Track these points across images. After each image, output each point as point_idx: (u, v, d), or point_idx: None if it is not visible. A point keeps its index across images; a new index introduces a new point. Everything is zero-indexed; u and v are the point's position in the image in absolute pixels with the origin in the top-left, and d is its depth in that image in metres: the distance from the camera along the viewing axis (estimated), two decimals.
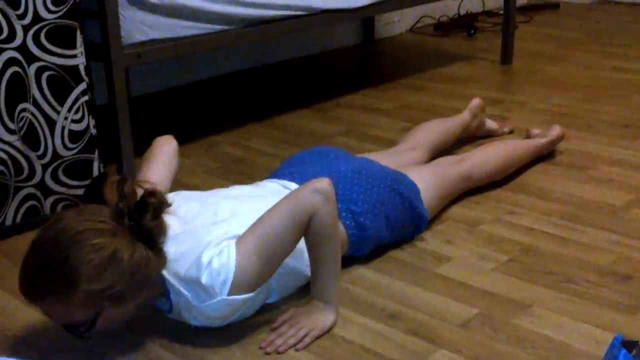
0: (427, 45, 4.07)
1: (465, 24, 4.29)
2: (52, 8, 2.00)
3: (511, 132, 2.70)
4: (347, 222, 1.82)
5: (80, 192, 2.16)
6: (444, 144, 2.43)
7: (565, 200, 2.18)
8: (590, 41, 4.00)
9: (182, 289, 1.54)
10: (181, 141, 2.71)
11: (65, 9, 2.02)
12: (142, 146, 2.60)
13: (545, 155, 2.47)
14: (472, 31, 4.21)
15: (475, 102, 2.59)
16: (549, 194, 2.22)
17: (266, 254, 1.54)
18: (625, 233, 1.97)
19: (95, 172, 2.18)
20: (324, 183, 1.59)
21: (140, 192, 1.52)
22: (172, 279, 1.55)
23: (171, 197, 1.63)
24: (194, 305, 1.54)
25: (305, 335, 1.60)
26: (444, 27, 4.30)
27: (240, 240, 1.55)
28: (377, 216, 1.86)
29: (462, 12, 4.45)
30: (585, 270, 1.81)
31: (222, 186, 1.99)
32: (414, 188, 1.97)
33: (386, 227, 1.89)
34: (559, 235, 1.98)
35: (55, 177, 2.10)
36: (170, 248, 1.56)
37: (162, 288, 1.57)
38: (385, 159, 2.16)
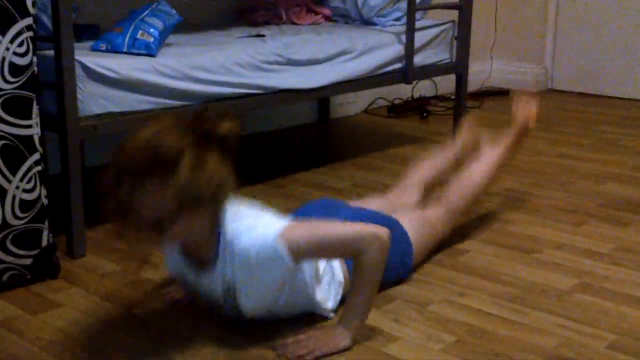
0: (381, 127, 4.15)
1: (418, 107, 4.40)
2: (10, 79, 2.01)
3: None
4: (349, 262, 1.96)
5: (28, 262, 2.14)
6: (436, 177, 2.60)
7: (513, 283, 2.21)
8: (538, 127, 4.12)
9: (236, 229, 1.73)
10: None
11: (23, 79, 2.04)
12: (93, 217, 2.60)
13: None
14: (424, 114, 4.31)
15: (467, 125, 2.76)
16: (497, 276, 2.26)
17: (312, 239, 1.76)
18: (569, 317, 2.01)
19: (45, 243, 2.16)
20: (385, 234, 1.80)
21: None
22: (228, 228, 1.74)
23: None
24: (240, 247, 1.71)
25: (315, 349, 1.76)
26: (398, 110, 4.40)
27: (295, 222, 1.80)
28: None
29: (416, 95, 4.56)
30: (530, 353, 1.83)
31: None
32: (404, 236, 2.15)
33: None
34: (505, 318, 2.00)
35: (3, 246, 2.07)
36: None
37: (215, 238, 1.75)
38: (379, 203, 2.37)
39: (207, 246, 1.78)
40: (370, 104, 4.50)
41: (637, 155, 3.57)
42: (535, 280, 2.23)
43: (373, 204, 2.36)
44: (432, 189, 2.56)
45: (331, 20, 3.71)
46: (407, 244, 2.17)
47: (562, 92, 5.09)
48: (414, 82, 4.02)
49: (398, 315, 2.01)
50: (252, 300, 1.82)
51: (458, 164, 2.63)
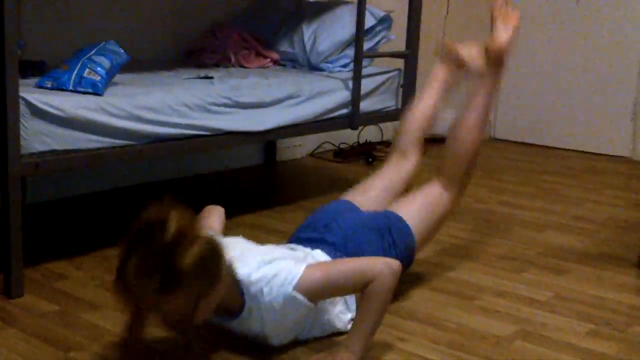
0: (327, 171, 4.18)
1: (364, 152, 4.44)
2: None
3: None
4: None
5: None
6: (432, 119, 2.80)
7: (453, 329, 2.23)
8: (481, 175, 4.20)
9: (257, 282, 1.89)
10: (74, 253, 2.68)
11: None
12: (33, 257, 2.55)
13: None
14: (370, 159, 4.36)
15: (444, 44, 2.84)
16: (438, 322, 2.27)
17: (328, 280, 1.92)
18: None
19: None
20: (396, 266, 1.94)
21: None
22: (248, 279, 1.90)
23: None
24: (264, 300, 1.88)
25: None
26: (344, 154, 4.44)
27: (309, 265, 1.95)
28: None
29: (362, 140, 4.61)
30: None
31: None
32: (406, 228, 2.33)
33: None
34: None
35: None
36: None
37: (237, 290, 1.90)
38: (380, 187, 2.57)
39: (232, 301, 1.92)
40: (317, 148, 4.53)
41: (575, 204, 3.66)
42: (476, 327, 2.25)
43: (374, 191, 2.54)
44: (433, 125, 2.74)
45: (279, 65, 3.75)
46: (409, 236, 2.33)
47: (505, 141, 5.20)
48: (360, 128, 4.06)
49: None
50: (281, 336, 2.00)
51: (450, 87, 2.82)
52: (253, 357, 1.99)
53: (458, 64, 2.78)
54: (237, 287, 1.91)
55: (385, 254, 2.21)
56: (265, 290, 1.89)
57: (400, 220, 2.36)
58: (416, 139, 2.71)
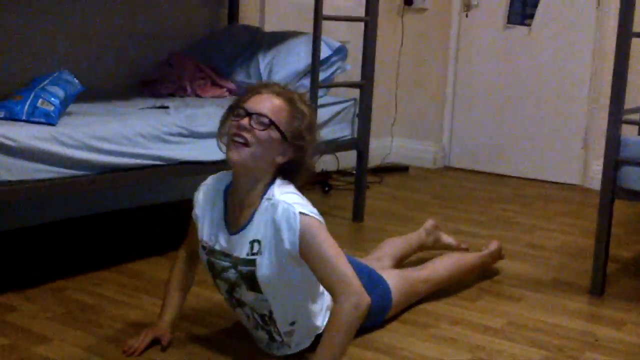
0: None
1: (320, 181, 4.45)
2: None
3: (467, 249, 3.06)
4: None
5: None
6: (404, 255, 2.90)
7: (409, 358, 2.24)
8: (435, 203, 4.24)
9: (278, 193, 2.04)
10: (25, 284, 2.64)
11: None
12: None
13: (486, 272, 2.96)
14: (326, 188, 4.37)
15: (429, 223, 3.05)
16: (394, 351, 2.28)
17: (323, 243, 2.00)
18: None
19: None
20: (365, 302, 1.96)
21: None
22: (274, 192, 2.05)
23: None
24: (273, 204, 2.01)
25: None
26: None
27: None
28: None
29: (318, 169, 4.61)
30: None
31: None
32: (386, 289, 2.40)
33: None
34: None
35: None
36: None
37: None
38: None
39: (254, 200, 2.06)
40: None
41: (528, 232, 3.71)
42: (431, 355, 2.26)
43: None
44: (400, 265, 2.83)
45: (235, 95, 3.75)
46: (388, 298, 2.41)
47: (459, 169, 5.26)
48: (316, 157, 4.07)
49: None
50: (270, 268, 2.03)
51: (424, 248, 3.03)
52: None
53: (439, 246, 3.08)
54: (262, 192, 2.06)
55: None
56: (285, 195, 2.03)
57: (383, 280, 2.44)
58: (392, 257, 2.83)
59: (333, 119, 3.58)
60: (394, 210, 4.03)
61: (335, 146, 3.70)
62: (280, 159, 2.06)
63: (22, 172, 2.40)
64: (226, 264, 2.10)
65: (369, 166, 4.21)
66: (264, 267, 2.03)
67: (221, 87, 3.70)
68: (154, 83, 3.60)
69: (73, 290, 2.64)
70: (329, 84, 3.67)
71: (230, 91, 3.72)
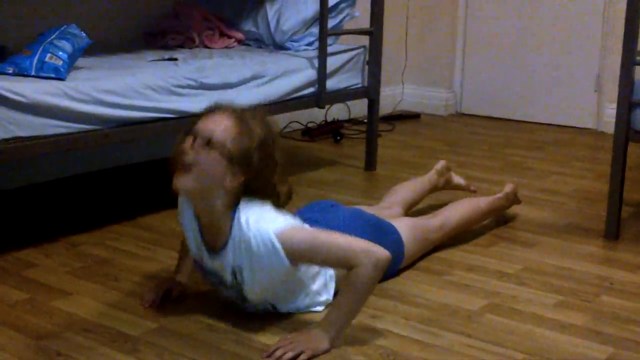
0: (295, 150, 4.17)
1: (331, 130, 4.44)
2: None
3: (474, 191, 3.09)
4: None
5: None
6: (415, 200, 2.88)
7: (425, 305, 2.25)
8: (447, 150, 4.22)
9: (248, 210, 1.95)
10: (42, 240, 2.65)
11: None
12: (0, 245, 2.52)
13: (501, 217, 2.96)
14: (338, 137, 4.36)
15: (440, 163, 3.04)
16: (410, 299, 2.29)
17: (311, 243, 1.93)
18: (479, 337, 2.05)
19: None
20: (384, 255, 1.92)
21: None
22: (242, 215, 1.95)
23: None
24: (247, 234, 1.92)
25: (301, 353, 1.87)
26: (312, 133, 4.43)
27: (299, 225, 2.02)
28: None
29: (329, 118, 4.60)
30: None
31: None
32: (399, 241, 2.37)
33: None
34: (418, 339, 2.03)
35: None
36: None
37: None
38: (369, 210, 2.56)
39: (221, 226, 1.97)
40: (285, 128, 4.51)
41: (542, 177, 3.70)
42: (447, 302, 2.27)
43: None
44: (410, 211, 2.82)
45: (244, 44, 3.72)
46: (400, 248, 2.38)
47: (471, 116, 5.23)
48: (327, 106, 4.06)
49: None
50: (256, 287, 2.01)
51: (435, 190, 3.02)
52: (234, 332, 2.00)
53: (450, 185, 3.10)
54: (230, 220, 1.97)
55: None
56: (252, 227, 1.93)
57: (394, 230, 2.41)
58: (402, 203, 2.80)
59: (343, 67, 3.55)
60: (406, 158, 4.01)
61: (346, 95, 3.68)
62: (229, 182, 1.93)
63: (33, 128, 2.39)
64: (215, 279, 2.10)
65: (380, 114, 4.19)
66: (252, 290, 2.03)
67: (230, 37, 3.67)
68: (161, 35, 3.57)
69: (89, 245, 2.66)
70: (338, 32, 3.63)
71: (238, 41, 3.69)
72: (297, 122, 4.53)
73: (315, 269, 2.12)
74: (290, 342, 1.92)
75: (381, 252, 1.93)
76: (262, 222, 1.94)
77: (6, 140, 2.33)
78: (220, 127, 1.92)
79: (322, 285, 2.17)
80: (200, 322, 2.09)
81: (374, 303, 2.24)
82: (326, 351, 1.91)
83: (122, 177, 3.57)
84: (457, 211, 2.71)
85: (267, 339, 2.00)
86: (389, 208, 2.71)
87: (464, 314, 2.19)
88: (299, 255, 1.95)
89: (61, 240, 2.70)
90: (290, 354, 1.87)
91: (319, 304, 2.17)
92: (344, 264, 1.93)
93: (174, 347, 1.95)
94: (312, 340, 1.91)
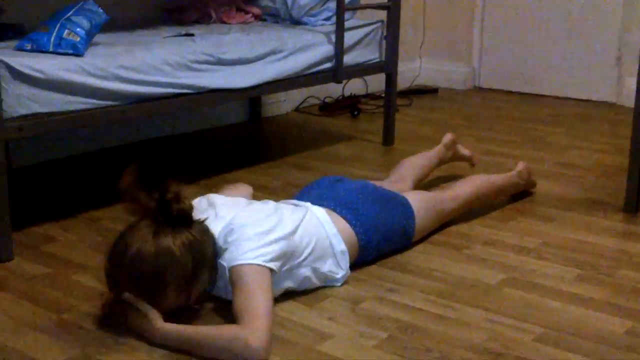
0: (312, 125, 4.17)
1: (349, 105, 4.43)
2: None
3: (473, 165, 3.18)
4: (357, 229, 2.22)
5: None
6: (424, 174, 2.90)
7: (443, 279, 2.25)
8: (465, 125, 4.20)
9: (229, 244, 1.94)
10: (61, 215, 2.68)
11: None
12: (21, 219, 2.55)
13: (518, 193, 2.95)
14: (355, 112, 4.35)
15: (448, 137, 3.05)
16: (428, 273, 2.29)
17: (247, 291, 1.86)
18: (497, 311, 2.05)
19: None
20: (256, 343, 1.74)
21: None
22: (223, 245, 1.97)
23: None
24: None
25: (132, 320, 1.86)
26: (329, 108, 4.42)
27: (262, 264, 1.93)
28: (378, 228, 2.27)
29: (347, 93, 4.59)
30: (460, 347, 1.87)
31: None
32: (409, 210, 2.38)
33: (383, 239, 2.29)
34: (436, 313, 2.04)
35: None
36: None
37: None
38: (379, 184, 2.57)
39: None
40: (302, 103, 4.51)
41: (561, 151, 3.67)
42: (465, 276, 2.27)
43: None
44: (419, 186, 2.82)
45: (261, 20, 3.71)
46: (410, 220, 2.38)
47: (489, 89, 5.19)
48: (345, 81, 4.04)
49: (331, 313, 2.03)
50: None
51: (443, 163, 3.04)
52: None
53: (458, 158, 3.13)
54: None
55: (377, 220, 2.29)
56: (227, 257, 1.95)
57: (405, 202, 2.41)
58: (412, 177, 2.80)
59: (360, 42, 3.53)
60: (423, 133, 4.00)
61: (363, 70, 3.66)
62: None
63: (53, 104, 2.40)
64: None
65: (398, 89, 4.17)
66: None
67: (247, 12, 3.66)
68: (178, 10, 3.57)
69: (108, 220, 2.68)
70: (356, 6, 3.61)
71: (256, 16, 3.68)
72: (314, 97, 4.52)
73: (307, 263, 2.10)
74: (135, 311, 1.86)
75: (258, 341, 1.74)
76: (234, 254, 1.93)
77: (25, 116, 2.34)
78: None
79: (333, 265, 2.17)
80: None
81: (391, 276, 2.25)
82: (150, 341, 1.83)
83: (139, 153, 3.58)
84: (470, 185, 2.70)
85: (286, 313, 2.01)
86: (397, 182, 2.71)
87: (482, 288, 2.19)
88: (240, 289, 1.87)
89: (81, 215, 2.72)
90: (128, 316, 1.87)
91: (336, 280, 2.17)
92: (239, 319, 1.81)
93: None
94: (148, 326, 1.84)
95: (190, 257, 1.88)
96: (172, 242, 1.86)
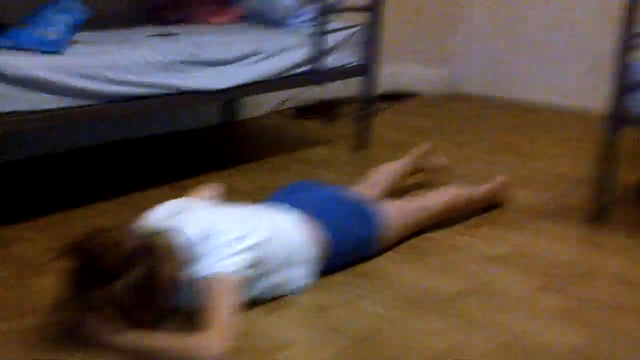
0: (289, 128, 4.17)
1: (326, 108, 4.43)
2: None
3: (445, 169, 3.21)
4: (327, 236, 2.25)
5: None
6: (398, 181, 2.94)
7: (407, 287, 2.28)
8: (443, 130, 4.24)
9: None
10: (23, 217, 2.66)
11: None
12: None
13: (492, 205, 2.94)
14: (333, 116, 4.36)
15: (425, 146, 3.12)
16: (391, 279, 2.32)
17: (218, 298, 1.88)
18: (460, 320, 2.09)
19: None
20: (215, 350, 1.77)
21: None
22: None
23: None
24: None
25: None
26: (306, 111, 4.42)
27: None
28: (347, 236, 2.31)
29: (325, 97, 4.59)
30: (421, 356, 1.90)
31: None
32: (379, 219, 2.40)
33: (351, 246, 2.34)
34: (397, 321, 2.07)
35: None
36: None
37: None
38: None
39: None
40: (280, 105, 4.51)
41: (535, 158, 3.71)
42: (428, 283, 2.30)
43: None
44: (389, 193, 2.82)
45: (243, 20, 3.72)
46: (378, 229, 2.40)
47: (467, 95, 5.22)
48: (324, 85, 4.06)
49: (294, 320, 2.06)
50: None
51: (415, 173, 3.09)
52: None
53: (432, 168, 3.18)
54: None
55: (346, 228, 2.33)
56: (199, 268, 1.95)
57: (374, 211, 2.43)
58: (382, 185, 2.83)
59: (341, 45, 3.55)
60: (400, 138, 4.03)
61: (343, 73, 3.68)
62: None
63: (28, 103, 2.41)
64: None
65: (377, 93, 4.19)
66: None
67: (229, 13, 3.67)
68: (160, 10, 3.57)
69: (69, 223, 2.64)
70: (337, 9, 3.62)
71: (238, 17, 3.69)
72: (292, 99, 4.51)
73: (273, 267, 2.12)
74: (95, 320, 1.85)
75: (216, 349, 1.78)
76: (205, 264, 1.95)
77: (4, 114, 2.34)
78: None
79: (302, 271, 2.20)
80: None
81: (357, 283, 2.28)
82: (108, 346, 1.83)
83: (113, 154, 3.58)
84: (443, 196, 2.73)
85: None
86: (371, 187, 2.76)
87: (445, 297, 2.22)
88: (212, 295, 1.90)
89: (42, 218, 2.68)
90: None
91: (303, 287, 2.19)
92: (204, 325, 1.85)
93: None
94: (106, 327, 1.84)
95: (134, 297, 1.82)
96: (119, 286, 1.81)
